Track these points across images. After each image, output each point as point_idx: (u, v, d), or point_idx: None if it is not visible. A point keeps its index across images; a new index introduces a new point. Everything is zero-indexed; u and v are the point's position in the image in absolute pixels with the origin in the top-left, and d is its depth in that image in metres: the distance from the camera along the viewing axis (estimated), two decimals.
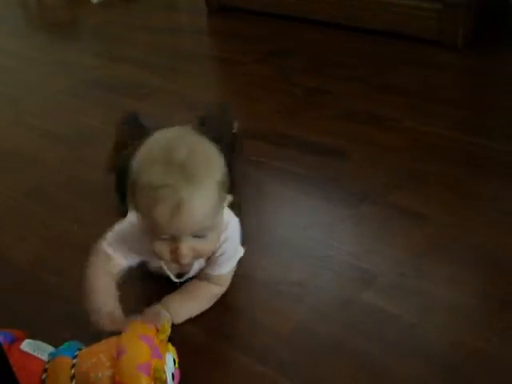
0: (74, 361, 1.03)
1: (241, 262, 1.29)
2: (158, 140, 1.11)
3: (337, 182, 1.65)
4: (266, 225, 1.49)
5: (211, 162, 1.10)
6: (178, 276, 1.27)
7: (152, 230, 1.09)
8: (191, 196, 1.03)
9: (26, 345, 1.06)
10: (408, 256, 1.37)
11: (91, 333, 1.13)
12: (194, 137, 1.13)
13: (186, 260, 1.12)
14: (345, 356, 1.14)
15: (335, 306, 1.26)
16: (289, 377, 1.10)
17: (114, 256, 1.20)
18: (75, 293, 1.30)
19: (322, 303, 1.27)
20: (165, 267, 1.24)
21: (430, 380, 1.08)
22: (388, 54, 2.45)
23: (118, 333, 1.07)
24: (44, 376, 1.02)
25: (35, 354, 1.05)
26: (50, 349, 1.08)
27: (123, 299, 1.19)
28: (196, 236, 1.09)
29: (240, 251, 1.28)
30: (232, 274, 1.28)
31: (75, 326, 1.21)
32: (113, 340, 1.05)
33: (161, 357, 1.02)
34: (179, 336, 1.19)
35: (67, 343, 1.08)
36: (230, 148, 1.53)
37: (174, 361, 1.06)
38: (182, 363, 1.12)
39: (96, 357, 1.02)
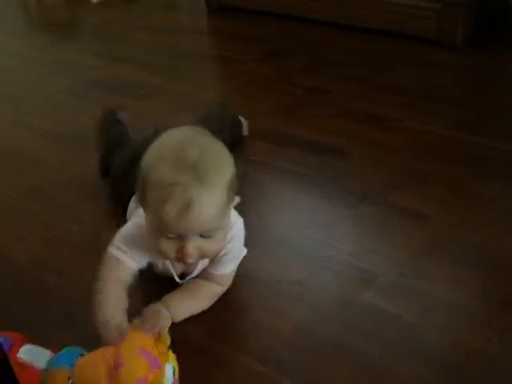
0: (71, 371, 1.01)
1: (241, 261, 1.29)
2: (169, 139, 1.11)
3: (337, 182, 1.65)
4: (266, 224, 1.49)
5: (222, 162, 1.10)
6: (181, 276, 1.27)
7: (159, 228, 1.09)
8: (201, 196, 1.03)
9: (24, 352, 1.04)
10: (408, 256, 1.37)
11: (91, 333, 1.13)
12: (206, 137, 1.13)
13: (191, 259, 1.12)
14: (345, 356, 1.14)
15: (335, 305, 1.26)
16: (289, 376, 1.10)
17: (123, 259, 1.19)
18: (75, 293, 1.30)
19: (322, 303, 1.27)
20: (170, 267, 1.24)
21: (429, 380, 1.08)
22: (387, 53, 2.45)
23: None
24: None
25: (32, 362, 1.03)
26: (48, 355, 1.06)
27: None
28: (203, 236, 1.10)
29: (243, 251, 1.28)
30: (234, 273, 1.28)
31: (75, 325, 1.22)
32: (111, 348, 1.03)
33: (160, 367, 1.01)
34: (179, 335, 1.19)
35: (66, 349, 1.06)
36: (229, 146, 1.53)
37: (174, 371, 1.05)
38: (182, 363, 1.12)
39: (94, 368, 1.00)
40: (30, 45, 2.93)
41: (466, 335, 1.17)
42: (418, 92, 2.11)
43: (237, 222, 1.23)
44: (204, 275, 1.27)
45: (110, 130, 1.74)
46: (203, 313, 1.24)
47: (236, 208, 1.22)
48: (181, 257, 1.11)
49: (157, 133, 1.15)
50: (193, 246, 1.09)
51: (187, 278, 1.28)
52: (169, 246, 1.10)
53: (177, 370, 1.06)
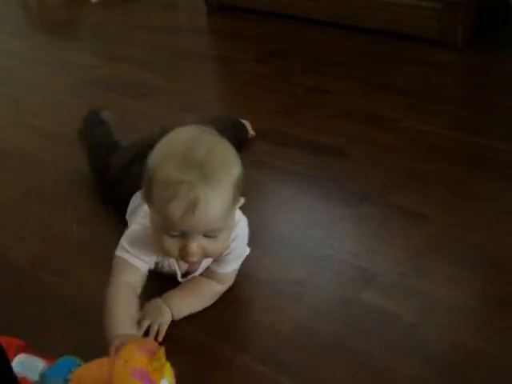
0: None
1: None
2: (176, 138, 1.11)
3: (337, 182, 1.65)
4: (266, 224, 1.49)
5: (229, 162, 1.10)
6: (185, 275, 1.27)
7: (164, 226, 1.09)
8: (207, 195, 1.03)
9: (17, 364, 1.02)
10: (408, 256, 1.37)
11: (91, 333, 1.13)
12: (213, 136, 1.13)
13: (194, 258, 1.12)
14: (345, 355, 1.14)
15: (335, 305, 1.26)
16: (289, 376, 1.10)
17: (132, 262, 1.19)
18: (75, 293, 1.30)
19: (322, 302, 1.27)
20: (176, 265, 1.24)
21: (429, 380, 1.08)
22: (387, 53, 2.45)
23: None
24: None
25: (25, 375, 1.01)
26: (42, 366, 1.04)
27: None
28: (207, 236, 1.10)
29: (246, 250, 1.28)
30: (236, 272, 1.28)
31: (75, 326, 1.21)
32: (106, 364, 1.02)
33: None
34: (179, 334, 1.19)
35: (61, 359, 1.03)
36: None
37: None
38: (182, 362, 1.12)
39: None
40: (30, 44, 2.93)
41: (465, 335, 1.17)
42: (418, 92, 2.11)
43: (241, 221, 1.23)
44: (206, 273, 1.27)
45: (93, 130, 1.75)
46: (203, 312, 1.24)
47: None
48: (184, 255, 1.11)
49: (164, 132, 1.15)
50: (196, 245, 1.09)
51: (189, 277, 1.28)
52: (172, 244, 1.10)
53: None
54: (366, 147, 1.80)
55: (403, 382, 1.08)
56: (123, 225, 1.34)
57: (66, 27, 3.22)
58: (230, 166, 1.09)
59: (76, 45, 2.95)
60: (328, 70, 2.35)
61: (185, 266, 1.25)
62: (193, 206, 1.03)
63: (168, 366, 0.99)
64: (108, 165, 1.55)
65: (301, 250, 1.42)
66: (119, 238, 1.22)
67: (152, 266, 1.22)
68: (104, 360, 1.00)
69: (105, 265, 1.23)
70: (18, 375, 0.99)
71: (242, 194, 1.16)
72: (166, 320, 1.20)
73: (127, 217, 1.39)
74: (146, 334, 1.17)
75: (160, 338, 1.17)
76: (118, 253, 1.20)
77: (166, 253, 1.14)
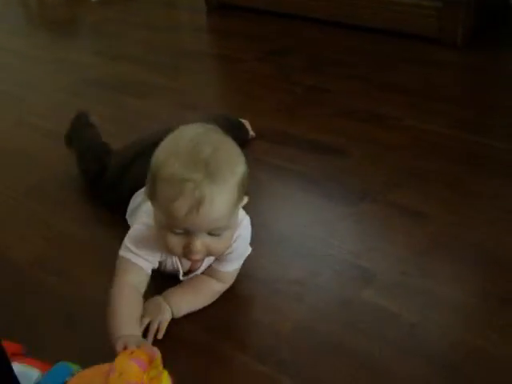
0: None
1: None
2: (182, 135, 1.10)
3: (337, 180, 1.65)
4: (266, 223, 1.49)
5: (234, 160, 1.10)
6: (186, 273, 1.27)
7: (168, 224, 1.08)
8: (212, 193, 1.03)
9: None
10: (408, 254, 1.37)
11: (91, 333, 1.13)
12: (218, 135, 1.12)
13: (197, 256, 1.12)
14: (345, 355, 1.13)
15: (335, 304, 1.26)
16: (289, 376, 1.10)
17: (135, 261, 1.19)
18: (75, 293, 1.30)
19: (322, 302, 1.26)
20: (179, 263, 1.24)
21: (430, 379, 1.08)
22: (388, 52, 2.45)
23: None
24: None
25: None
26: (36, 375, 1.01)
27: None
28: (211, 234, 1.09)
29: (248, 250, 1.28)
30: (237, 272, 1.28)
31: (75, 326, 1.21)
32: (103, 368, 1.01)
33: None
34: (179, 333, 1.19)
35: (56, 367, 1.02)
36: None
37: None
38: (181, 361, 1.12)
39: None
40: (30, 43, 2.93)
41: (466, 334, 1.17)
42: (418, 91, 2.11)
43: (244, 221, 1.23)
44: (207, 271, 1.27)
45: (83, 133, 1.74)
46: (203, 310, 1.24)
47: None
48: (188, 253, 1.11)
49: (168, 130, 1.15)
50: (201, 242, 1.09)
51: (190, 275, 1.28)
52: (176, 242, 1.10)
53: None
54: (367, 146, 1.80)
55: (403, 381, 1.08)
56: (123, 225, 1.34)
57: (66, 26, 3.22)
58: (235, 164, 1.09)
59: (76, 43, 2.95)
60: (328, 68, 2.35)
61: (187, 265, 1.25)
62: (198, 204, 1.03)
63: (166, 374, 0.99)
64: (102, 166, 1.55)
65: (301, 249, 1.42)
66: (120, 238, 1.21)
67: (156, 266, 1.22)
68: (100, 368, 1.00)
69: (105, 265, 1.23)
70: None
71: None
72: (166, 318, 1.20)
73: (127, 217, 1.39)
74: (146, 331, 1.17)
75: (160, 336, 1.17)
76: (122, 253, 1.20)
77: (169, 251, 1.14)
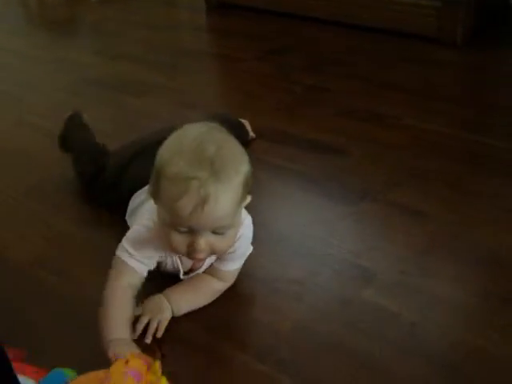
0: None
1: None
2: (186, 134, 1.10)
3: (337, 180, 1.65)
4: (265, 222, 1.49)
5: (238, 159, 1.09)
6: (187, 272, 1.27)
7: (172, 222, 1.08)
8: (217, 192, 1.03)
9: None
10: (408, 254, 1.37)
11: (91, 333, 1.13)
12: (222, 133, 1.12)
13: (201, 255, 1.11)
14: (345, 355, 1.13)
15: (335, 304, 1.25)
16: (288, 375, 1.10)
17: (131, 264, 1.18)
18: (75, 293, 1.30)
19: (322, 301, 1.26)
20: (179, 263, 1.24)
21: (430, 379, 1.08)
22: (388, 51, 2.45)
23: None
24: None
25: None
26: None
27: None
28: (215, 232, 1.09)
29: (249, 249, 1.28)
30: (238, 271, 1.28)
31: (75, 325, 1.21)
32: (99, 375, 1.01)
33: None
34: (178, 332, 1.19)
35: (51, 375, 1.01)
36: None
37: None
38: (181, 360, 1.12)
39: None
40: (30, 43, 2.92)
41: (466, 333, 1.16)
42: (418, 90, 2.11)
43: (245, 220, 1.22)
44: (208, 270, 1.27)
45: (77, 134, 1.74)
46: (202, 309, 1.24)
47: None
48: (192, 251, 1.10)
49: (169, 129, 1.15)
50: (205, 241, 1.09)
51: (191, 274, 1.28)
52: (180, 241, 1.10)
53: None
54: (366, 145, 1.80)
55: (403, 381, 1.08)
56: (123, 225, 1.34)
57: (66, 25, 3.22)
58: (239, 162, 1.09)
59: (76, 43, 2.95)
60: (328, 68, 2.35)
61: (188, 264, 1.25)
62: (203, 202, 1.03)
63: (164, 380, 0.98)
64: (98, 168, 1.55)
65: (300, 249, 1.42)
66: (119, 239, 1.21)
67: (152, 268, 1.22)
68: (96, 375, 0.99)
69: (105, 265, 1.23)
70: None
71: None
72: (166, 316, 1.20)
73: (127, 217, 1.39)
74: (145, 330, 1.17)
75: (159, 335, 1.17)
76: (118, 253, 1.20)
77: (173, 249, 1.13)
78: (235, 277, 1.29)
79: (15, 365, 1.02)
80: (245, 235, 1.23)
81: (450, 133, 1.83)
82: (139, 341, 1.15)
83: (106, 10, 3.30)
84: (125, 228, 1.26)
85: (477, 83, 2.19)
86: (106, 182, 1.50)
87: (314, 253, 1.40)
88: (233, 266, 1.26)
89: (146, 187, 1.22)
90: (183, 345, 1.17)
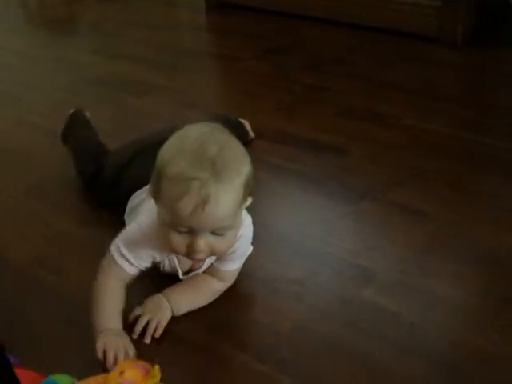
0: None
1: None
2: (187, 135, 1.10)
3: (337, 179, 1.65)
4: (265, 222, 1.49)
5: (240, 160, 1.09)
6: (187, 273, 1.27)
7: (172, 222, 1.08)
8: (218, 193, 1.03)
9: None
10: (408, 253, 1.37)
11: (90, 333, 1.13)
12: (224, 134, 1.12)
13: (201, 255, 1.11)
14: (345, 354, 1.13)
15: (335, 304, 1.25)
16: (288, 374, 1.10)
17: (122, 265, 1.19)
18: (75, 292, 1.30)
19: (322, 301, 1.26)
20: (177, 263, 1.24)
21: (430, 378, 1.08)
22: (388, 51, 2.45)
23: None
24: None
25: None
26: None
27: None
28: (214, 233, 1.09)
29: (249, 249, 1.28)
30: (238, 271, 1.28)
31: (75, 325, 1.21)
32: (97, 380, 1.00)
33: None
34: (178, 332, 1.19)
35: (48, 380, 1.01)
36: None
37: None
38: (181, 360, 1.12)
39: None
40: (30, 42, 2.92)
41: (466, 333, 1.16)
42: (418, 90, 2.11)
43: (245, 220, 1.22)
44: (208, 270, 1.27)
45: (80, 132, 1.74)
46: (202, 309, 1.24)
47: None
48: (191, 252, 1.10)
49: (169, 129, 1.15)
50: (204, 242, 1.08)
51: (191, 274, 1.27)
52: (180, 241, 1.09)
53: None
54: (366, 145, 1.80)
55: (403, 380, 1.08)
56: (122, 225, 1.33)
57: (65, 25, 3.22)
58: (241, 163, 1.09)
59: (76, 42, 2.95)
60: (328, 67, 2.35)
61: (187, 265, 1.25)
62: (203, 202, 1.02)
63: None
64: (98, 167, 1.54)
65: (300, 248, 1.42)
66: None
67: (143, 268, 1.22)
68: (95, 380, 0.99)
69: None
70: None
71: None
72: (165, 316, 1.20)
73: (125, 216, 1.38)
74: (145, 329, 1.17)
75: (157, 335, 1.17)
76: (112, 247, 1.20)
77: (172, 249, 1.13)
78: (235, 277, 1.28)
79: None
80: (245, 235, 1.23)
81: (450, 133, 1.83)
82: (139, 341, 1.15)
83: (106, 9, 3.30)
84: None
85: (477, 83, 2.19)
86: (105, 182, 1.50)
87: (313, 252, 1.40)
88: (233, 266, 1.26)
89: (146, 187, 1.22)
90: (183, 345, 1.17)
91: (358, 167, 1.70)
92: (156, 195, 1.10)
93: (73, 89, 2.31)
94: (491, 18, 2.62)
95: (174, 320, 1.21)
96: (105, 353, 1.10)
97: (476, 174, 1.63)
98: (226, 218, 1.07)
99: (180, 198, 1.03)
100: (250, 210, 1.24)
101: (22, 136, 1.99)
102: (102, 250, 1.22)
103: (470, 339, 1.15)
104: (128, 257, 1.18)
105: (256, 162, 1.70)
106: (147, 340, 1.16)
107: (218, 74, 2.55)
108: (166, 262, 1.24)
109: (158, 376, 0.98)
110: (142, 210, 1.25)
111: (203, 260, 1.21)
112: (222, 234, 1.10)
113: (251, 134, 1.84)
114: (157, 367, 0.99)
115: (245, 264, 1.29)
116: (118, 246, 1.19)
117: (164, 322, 1.19)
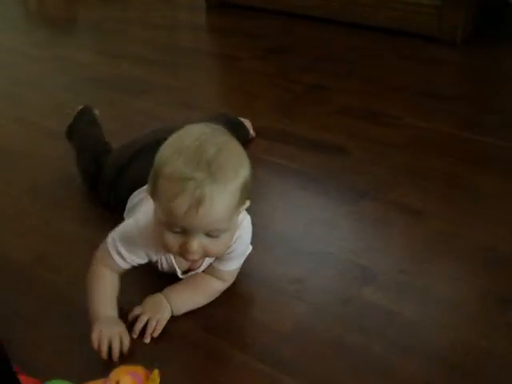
0: None
1: None
2: (186, 135, 1.10)
3: (337, 179, 1.65)
4: (265, 221, 1.49)
5: (238, 162, 1.09)
6: (186, 272, 1.27)
7: (166, 222, 1.08)
8: (213, 194, 1.02)
9: None
10: (408, 253, 1.37)
11: (90, 333, 1.13)
12: (224, 135, 1.12)
13: (194, 256, 1.11)
14: (345, 354, 1.13)
15: (335, 303, 1.25)
16: (289, 375, 1.10)
17: (115, 259, 1.19)
18: (75, 291, 1.30)
19: (322, 301, 1.26)
20: (174, 262, 1.23)
21: (430, 378, 1.08)
22: (388, 50, 2.45)
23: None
24: None
25: None
26: None
27: (125, 293, 1.21)
28: (209, 235, 1.09)
29: (249, 248, 1.28)
30: (238, 270, 1.28)
31: (74, 325, 1.21)
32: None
33: None
34: (178, 332, 1.19)
35: None
36: None
37: None
38: (181, 359, 1.12)
39: None
40: (30, 41, 2.92)
41: (466, 333, 1.16)
42: (418, 89, 2.11)
43: (244, 221, 1.22)
44: (207, 270, 1.27)
45: (86, 130, 1.75)
46: (202, 309, 1.24)
47: None
48: (184, 252, 1.10)
49: (170, 129, 1.15)
50: (197, 243, 1.08)
51: (190, 273, 1.27)
52: (173, 240, 1.09)
53: None
54: (366, 144, 1.80)
55: (404, 380, 1.08)
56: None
57: (66, 24, 3.22)
58: (238, 166, 1.08)
59: (76, 41, 2.95)
60: (328, 67, 2.35)
61: (186, 264, 1.25)
62: (198, 203, 1.02)
63: None
64: (99, 166, 1.55)
65: (300, 248, 1.42)
66: None
67: (135, 264, 1.22)
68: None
69: None
70: None
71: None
72: (165, 316, 1.20)
73: (125, 215, 1.38)
74: (144, 328, 1.17)
75: (156, 334, 1.17)
76: (108, 241, 1.20)
77: (166, 248, 1.13)
78: (235, 276, 1.28)
79: None
80: (242, 237, 1.22)
81: (450, 132, 1.83)
82: (138, 340, 1.15)
83: (107, 8, 3.30)
84: None
85: (477, 82, 2.18)
86: (105, 181, 1.50)
87: (313, 252, 1.40)
88: (232, 266, 1.26)
89: (146, 186, 1.22)
90: (182, 344, 1.17)
91: (359, 166, 1.70)
92: (153, 194, 1.10)
93: (73, 88, 2.31)
94: (491, 17, 2.62)
95: (174, 319, 1.21)
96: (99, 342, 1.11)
97: (476, 174, 1.63)
98: (221, 221, 1.07)
99: (175, 197, 1.03)
100: (249, 209, 1.24)
101: (21, 135, 1.99)
102: None
103: (470, 339, 1.15)
104: (122, 252, 1.19)
105: (256, 161, 1.71)
106: (147, 340, 1.16)
107: (218, 74, 2.55)
108: (164, 261, 1.24)
109: (158, 380, 0.98)
110: (141, 209, 1.25)
111: (197, 260, 1.21)
112: (216, 236, 1.09)
113: (252, 132, 1.84)
114: (156, 371, 0.99)
115: (244, 264, 1.29)
116: (114, 240, 1.19)
117: (163, 322, 1.19)
